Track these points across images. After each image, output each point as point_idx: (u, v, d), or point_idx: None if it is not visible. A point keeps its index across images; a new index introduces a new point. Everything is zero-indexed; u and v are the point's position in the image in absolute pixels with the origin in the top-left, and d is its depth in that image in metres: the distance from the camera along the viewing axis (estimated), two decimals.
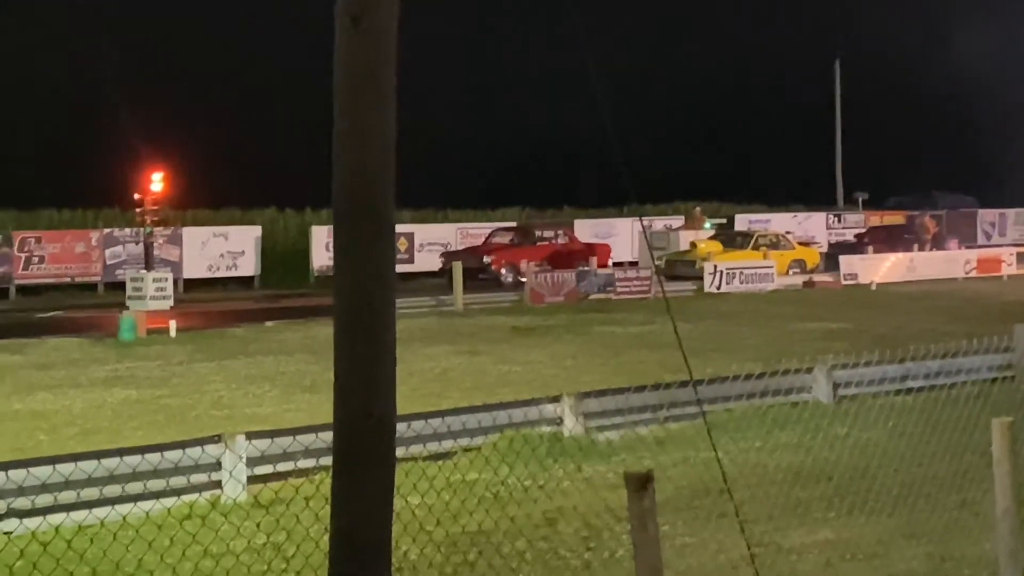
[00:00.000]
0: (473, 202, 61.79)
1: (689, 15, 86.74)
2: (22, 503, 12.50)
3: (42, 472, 12.69)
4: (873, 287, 47.84)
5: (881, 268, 50.75)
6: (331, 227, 6.45)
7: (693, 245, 51.97)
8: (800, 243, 55.53)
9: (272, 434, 14.87)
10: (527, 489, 13.20)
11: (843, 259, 51.52)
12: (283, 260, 54.80)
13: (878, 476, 13.69)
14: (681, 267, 49.64)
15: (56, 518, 11.95)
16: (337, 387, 6.34)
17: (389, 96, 6.35)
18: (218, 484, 14.35)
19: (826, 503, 13.41)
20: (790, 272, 50.74)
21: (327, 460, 6.68)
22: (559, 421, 17.69)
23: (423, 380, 23.64)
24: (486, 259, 50.30)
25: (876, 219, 65.84)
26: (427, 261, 53.78)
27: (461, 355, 27.95)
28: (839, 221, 65.87)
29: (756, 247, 51.43)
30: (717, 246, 51.43)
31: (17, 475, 12.53)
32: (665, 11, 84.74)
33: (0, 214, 52.24)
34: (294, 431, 14.60)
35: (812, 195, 71.78)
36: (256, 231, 54.19)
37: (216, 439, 14.63)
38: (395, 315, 6.38)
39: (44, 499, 12.62)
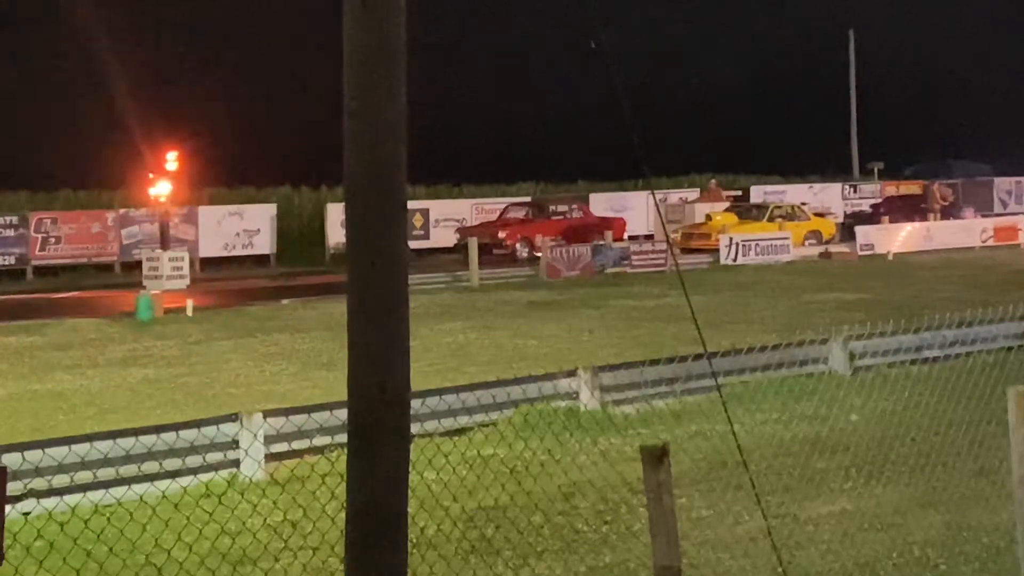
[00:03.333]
0: (488, 177, 61.77)
1: None
2: (39, 484, 12.54)
3: (58, 452, 12.71)
4: (890, 257, 47.76)
5: (897, 238, 50.66)
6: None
7: (708, 217, 52.01)
8: (816, 214, 55.46)
9: (288, 412, 14.88)
10: (543, 464, 13.20)
11: (859, 229, 51.40)
12: (299, 238, 54.84)
13: (895, 446, 13.67)
14: (697, 239, 49.64)
15: (73, 498, 11.98)
16: (351, 363, 6.33)
17: (399, 72, 6.32)
18: (235, 463, 14.38)
19: (843, 473, 13.40)
20: (806, 243, 50.68)
21: (342, 437, 6.69)
22: (575, 395, 17.70)
23: (440, 355, 23.67)
24: (501, 234, 50.28)
25: (892, 189, 65.68)
26: (442, 237, 53.74)
27: (477, 330, 27.97)
28: (855, 191, 65.70)
29: (771, 219, 51.46)
30: (732, 218, 51.42)
31: (33, 456, 12.56)
32: None
33: (16, 195, 52.32)
34: (309, 408, 14.63)
35: (828, 165, 71.64)
36: (271, 209, 54.17)
37: (233, 418, 14.66)
38: (408, 290, 6.37)
39: (61, 479, 12.65)
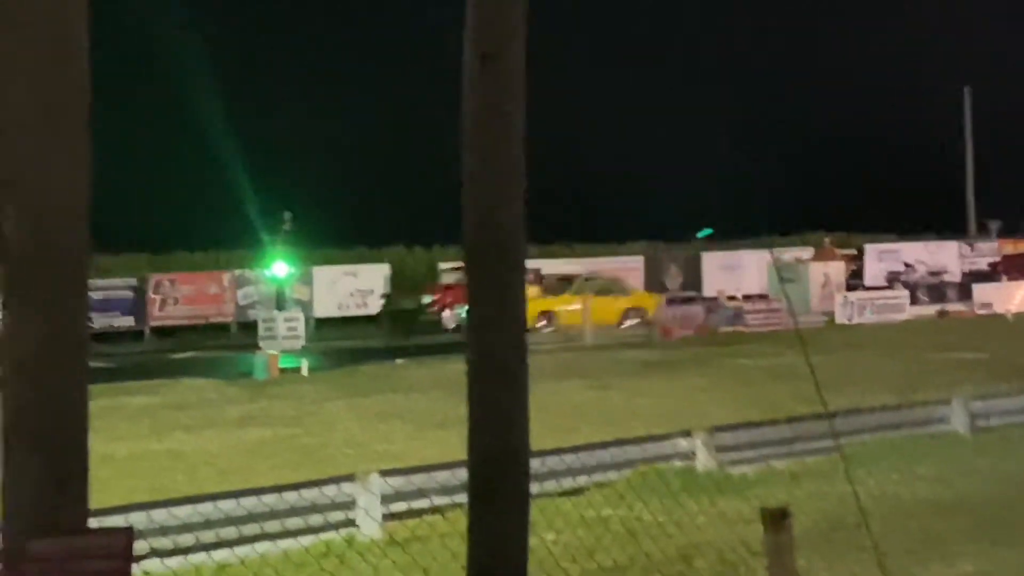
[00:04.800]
0: (601, 236, 61.87)
1: (819, 43, 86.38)
2: (163, 543, 12.64)
3: (182, 512, 12.84)
4: (1009, 317, 47.08)
5: (1016, 297, 49.97)
6: (459, 263, 6.49)
7: None
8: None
9: (406, 472, 14.91)
10: (661, 524, 13.11)
11: (977, 288, 50.86)
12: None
13: (1019, 508, 13.44)
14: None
15: (197, 558, 12.07)
16: (471, 424, 6.35)
17: (518, 133, 6.36)
18: (353, 522, 14.42)
19: (966, 535, 13.18)
20: (625, 322, 46.05)
21: (461, 497, 6.70)
22: (692, 456, 17.58)
23: (554, 415, 23.56)
24: (426, 299, 48.59)
25: (1010, 247, 64.85)
26: None
27: (592, 390, 27.90)
28: (971, 250, 64.95)
29: (578, 292, 46.62)
30: (534, 290, 44.54)
31: (158, 515, 12.69)
32: (794, 35, 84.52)
33: (135, 257, 53.11)
34: (428, 468, 14.64)
35: (944, 224, 70.94)
36: (385, 269, 54.53)
37: (351, 477, 14.71)
38: (527, 351, 6.39)
39: (185, 539, 12.76)
